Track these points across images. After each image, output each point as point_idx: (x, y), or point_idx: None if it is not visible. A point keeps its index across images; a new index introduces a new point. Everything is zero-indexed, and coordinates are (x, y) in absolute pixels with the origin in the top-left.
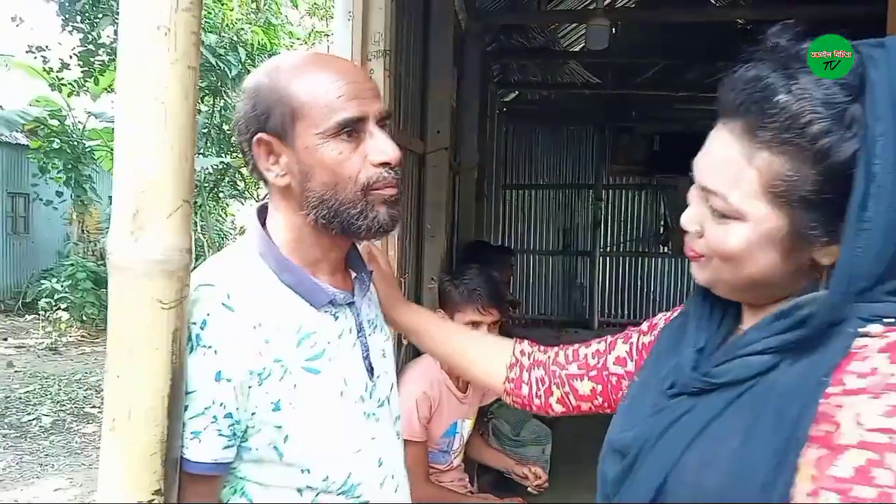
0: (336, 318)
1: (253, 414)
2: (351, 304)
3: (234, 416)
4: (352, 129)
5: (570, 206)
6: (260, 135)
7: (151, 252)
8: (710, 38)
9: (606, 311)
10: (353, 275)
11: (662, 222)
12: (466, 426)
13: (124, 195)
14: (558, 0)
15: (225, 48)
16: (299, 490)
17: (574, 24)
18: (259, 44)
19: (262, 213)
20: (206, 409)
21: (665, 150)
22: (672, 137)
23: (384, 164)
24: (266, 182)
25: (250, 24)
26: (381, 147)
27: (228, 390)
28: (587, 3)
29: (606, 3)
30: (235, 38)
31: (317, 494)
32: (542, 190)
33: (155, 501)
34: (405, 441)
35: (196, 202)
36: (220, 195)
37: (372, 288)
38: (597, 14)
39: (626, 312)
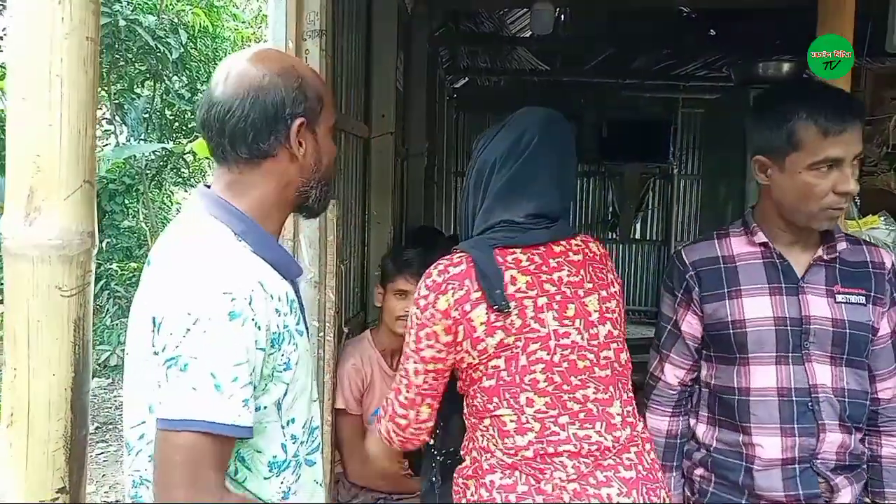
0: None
1: (270, 374)
2: None
3: (254, 382)
4: None
5: None
6: (301, 118)
7: (48, 236)
8: (655, 25)
9: None
10: None
11: (610, 209)
12: None
13: (17, 175)
14: None
15: (165, 30)
16: (283, 445)
17: (523, 11)
18: (201, 26)
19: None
20: (250, 375)
21: (612, 137)
22: (619, 125)
23: None
24: (248, 158)
25: (192, 5)
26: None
27: (260, 358)
28: None
29: None
30: (176, 20)
31: (297, 447)
32: None
33: (59, 500)
34: (341, 411)
35: (138, 189)
36: (164, 182)
37: None
38: None
39: None
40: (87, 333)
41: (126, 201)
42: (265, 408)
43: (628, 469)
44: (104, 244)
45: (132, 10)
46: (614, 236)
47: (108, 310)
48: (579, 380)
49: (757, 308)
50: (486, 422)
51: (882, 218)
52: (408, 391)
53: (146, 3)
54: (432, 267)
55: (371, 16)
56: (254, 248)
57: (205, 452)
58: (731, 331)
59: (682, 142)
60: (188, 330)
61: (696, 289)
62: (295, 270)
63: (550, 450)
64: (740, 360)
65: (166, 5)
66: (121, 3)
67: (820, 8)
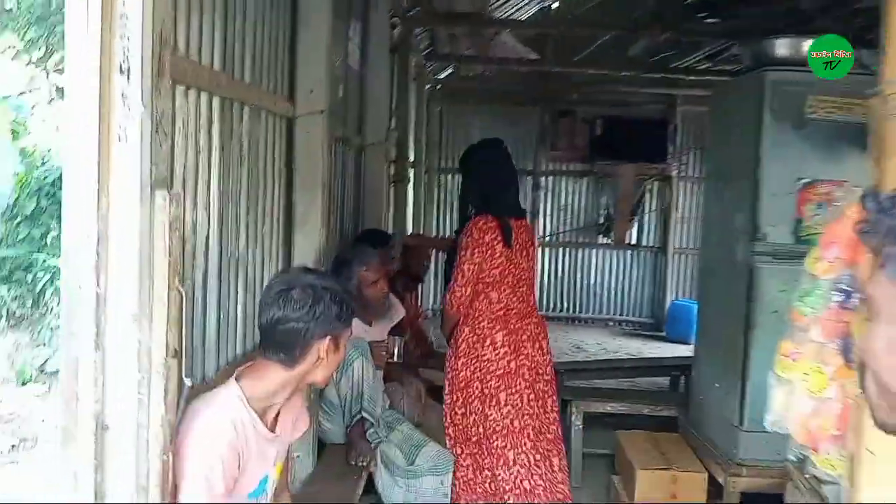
0: None
1: None
2: None
3: None
4: None
5: None
6: None
7: None
8: (654, 8)
9: (545, 303)
10: None
11: (604, 211)
12: (273, 474)
13: None
14: None
15: None
16: None
17: None
18: None
19: None
20: None
21: (607, 135)
22: (615, 122)
23: None
24: None
25: None
26: None
27: None
28: None
29: None
30: None
31: None
32: None
33: None
34: None
35: None
36: None
37: None
38: None
39: (565, 305)
40: None
41: None
42: None
43: (537, 319)
44: (49, 238)
45: None
46: (608, 241)
47: (52, 309)
48: (524, 284)
49: None
50: (482, 297)
51: None
52: (462, 278)
53: None
54: (481, 218)
55: None
56: None
57: None
58: None
59: (682, 141)
60: None
61: None
62: None
63: (509, 311)
64: None
65: None
66: None
67: None
